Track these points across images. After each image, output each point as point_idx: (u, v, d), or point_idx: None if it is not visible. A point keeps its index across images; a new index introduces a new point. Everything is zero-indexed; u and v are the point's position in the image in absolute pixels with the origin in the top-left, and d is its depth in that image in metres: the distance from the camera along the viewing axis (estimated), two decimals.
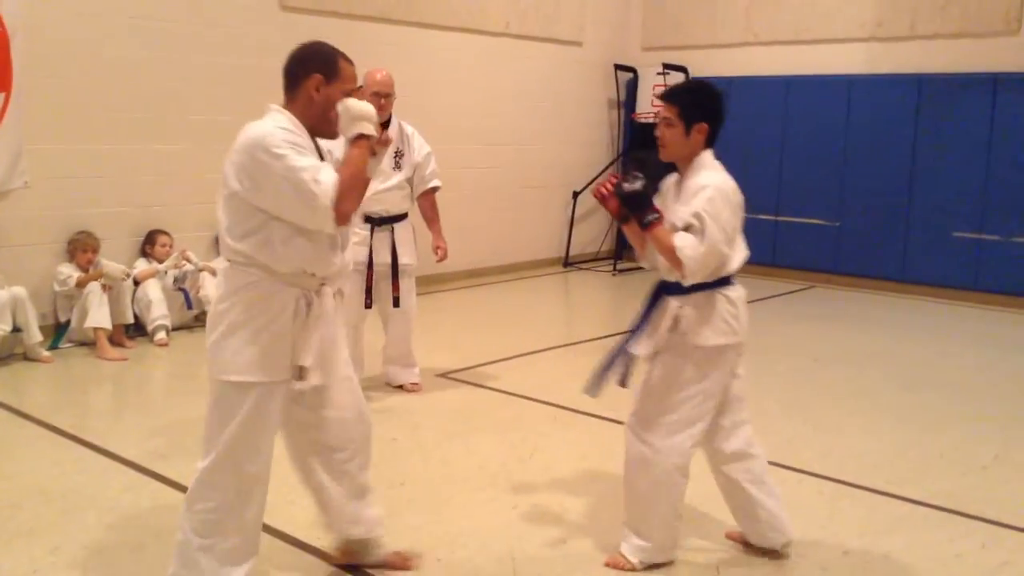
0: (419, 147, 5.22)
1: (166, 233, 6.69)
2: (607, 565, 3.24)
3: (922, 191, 8.70)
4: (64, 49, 6.24)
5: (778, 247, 9.39)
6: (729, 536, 3.47)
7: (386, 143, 2.89)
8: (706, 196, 2.98)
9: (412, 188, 5.23)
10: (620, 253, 10.38)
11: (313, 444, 2.96)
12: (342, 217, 2.63)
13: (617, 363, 3.21)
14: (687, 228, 2.98)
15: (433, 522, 3.59)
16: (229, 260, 2.75)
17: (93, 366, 5.87)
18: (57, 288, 6.17)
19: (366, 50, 7.45)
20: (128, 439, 4.46)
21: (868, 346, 6.81)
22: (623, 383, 3.22)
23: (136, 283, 6.41)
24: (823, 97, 9.20)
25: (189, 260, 6.67)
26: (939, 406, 5.32)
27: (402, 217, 5.21)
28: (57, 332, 6.20)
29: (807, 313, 8.01)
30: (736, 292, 3.14)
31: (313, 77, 2.72)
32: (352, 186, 2.65)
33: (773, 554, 3.33)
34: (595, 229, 10.59)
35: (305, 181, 2.57)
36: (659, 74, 9.85)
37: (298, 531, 3.35)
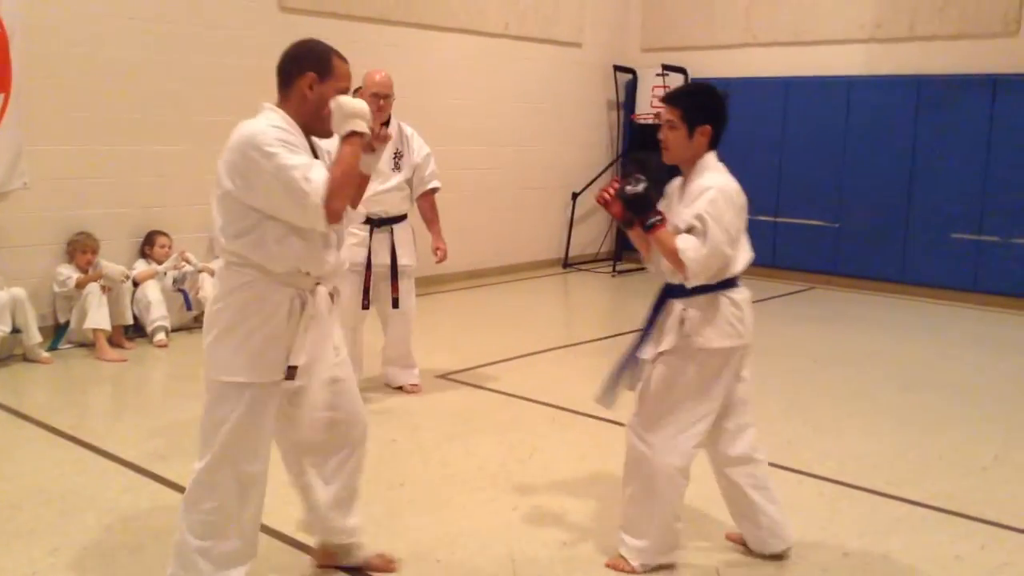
0: (418, 148, 5.22)
1: (165, 234, 6.69)
2: (608, 567, 3.23)
3: (921, 192, 8.70)
4: (63, 50, 6.24)
5: (778, 248, 9.39)
6: (729, 537, 3.46)
7: (384, 140, 2.87)
8: (708, 198, 2.98)
9: (411, 189, 5.23)
10: (620, 254, 10.38)
11: (306, 445, 2.96)
12: (333, 215, 2.62)
13: (627, 370, 3.20)
14: (689, 230, 2.97)
15: (433, 523, 3.59)
16: (224, 260, 2.76)
17: (92, 367, 5.87)
18: (56, 289, 6.16)
19: (366, 51, 7.52)
20: (127, 440, 4.46)
21: (867, 347, 6.81)
22: (633, 388, 3.22)
23: (135, 284, 6.41)
24: (822, 98, 9.21)
25: (188, 261, 6.67)
26: (939, 407, 5.32)
27: (401, 218, 5.21)
28: (56, 333, 6.20)
29: (806, 314, 8.01)
30: (741, 294, 3.13)
31: (306, 75, 2.70)
32: (343, 184, 2.63)
33: (773, 556, 3.32)
34: (595, 230, 10.59)
35: (296, 179, 2.56)
36: (658, 75, 9.85)
37: (297, 532, 3.34)
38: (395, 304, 5.15)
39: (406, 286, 5.22)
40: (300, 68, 2.72)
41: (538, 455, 4.39)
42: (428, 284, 7.86)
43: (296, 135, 2.70)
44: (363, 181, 2.94)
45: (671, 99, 3.13)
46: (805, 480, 4.12)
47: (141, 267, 6.55)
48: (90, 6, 6.34)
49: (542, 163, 9.93)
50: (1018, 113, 8.15)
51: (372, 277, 5.08)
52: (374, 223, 5.03)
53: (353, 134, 2.68)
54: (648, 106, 10.16)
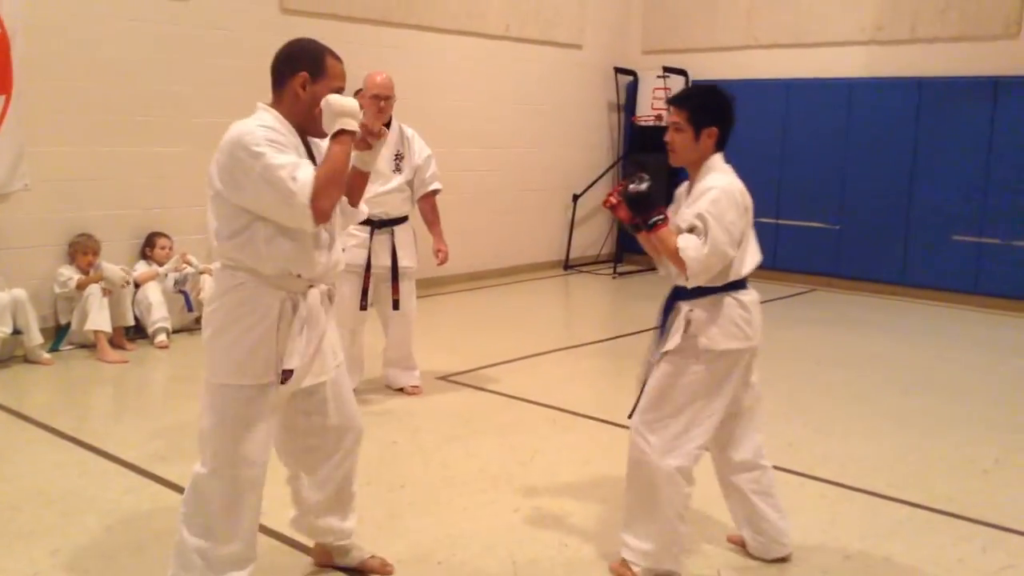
0: (419, 150, 5.22)
1: (166, 236, 6.69)
2: (611, 571, 3.21)
3: (922, 194, 8.70)
4: (64, 52, 6.24)
5: (779, 250, 9.38)
6: (731, 539, 3.46)
7: (378, 136, 2.84)
8: (711, 198, 2.97)
9: (412, 191, 5.23)
10: (621, 256, 10.39)
11: (301, 448, 2.96)
12: (320, 214, 2.59)
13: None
14: (691, 229, 2.97)
15: (433, 525, 3.58)
16: (219, 262, 2.76)
17: (93, 368, 5.87)
18: (57, 290, 6.16)
19: (366, 53, 7.54)
20: (128, 441, 4.46)
21: (868, 349, 6.81)
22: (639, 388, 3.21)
23: (136, 286, 6.42)
24: (823, 100, 9.20)
25: (190, 263, 6.67)
26: (940, 409, 5.31)
27: (402, 220, 5.21)
28: (57, 334, 6.20)
29: (808, 316, 8.00)
30: (749, 296, 3.11)
31: (299, 75, 2.68)
32: (329, 183, 2.60)
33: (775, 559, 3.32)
34: (595, 232, 10.59)
35: (282, 179, 2.55)
36: (659, 77, 9.86)
37: (296, 532, 3.33)
38: (396, 306, 5.15)
39: (407, 288, 5.22)
40: (293, 68, 2.70)
41: (539, 457, 4.39)
42: (429, 286, 7.86)
43: (288, 135, 2.68)
44: (363, 179, 2.93)
45: (678, 101, 3.12)
46: (806, 482, 4.12)
47: (142, 268, 6.55)
48: (92, 8, 6.34)
49: (543, 165, 9.93)
50: (1019, 115, 8.15)
51: (373, 279, 5.08)
52: (375, 225, 5.03)
53: (343, 133, 2.65)
54: (649, 108, 10.16)
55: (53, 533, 3.44)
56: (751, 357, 3.15)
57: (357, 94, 4.98)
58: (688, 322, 3.05)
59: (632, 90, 10.52)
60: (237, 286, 2.70)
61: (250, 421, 2.72)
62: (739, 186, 3.06)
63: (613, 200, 3.07)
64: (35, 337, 5.80)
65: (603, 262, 10.47)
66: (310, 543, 3.23)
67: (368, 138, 2.80)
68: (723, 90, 3.16)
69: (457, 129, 8.75)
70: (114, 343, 6.11)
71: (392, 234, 5.13)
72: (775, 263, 9.32)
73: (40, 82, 6.11)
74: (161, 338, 6.31)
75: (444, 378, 5.71)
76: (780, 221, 9.43)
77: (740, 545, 3.40)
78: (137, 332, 6.43)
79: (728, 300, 3.06)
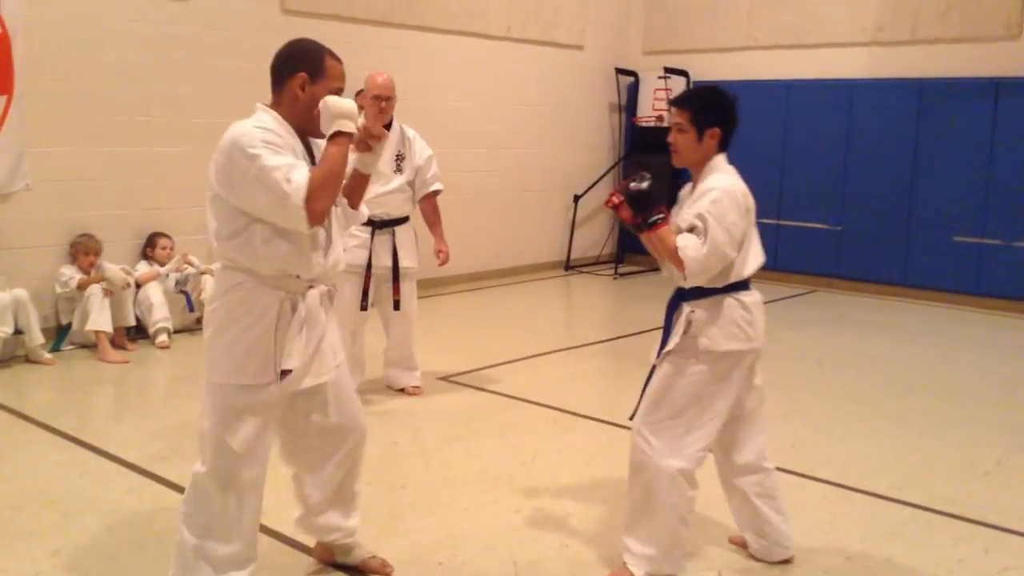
0: (420, 150, 5.22)
1: (167, 236, 6.70)
2: None
3: (923, 195, 8.70)
4: (65, 52, 6.24)
5: (780, 251, 9.36)
6: (732, 540, 3.45)
7: (378, 137, 2.84)
8: (711, 198, 2.97)
9: (413, 191, 5.23)
10: (622, 257, 10.39)
11: (303, 448, 2.96)
12: (314, 216, 2.58)
13: None
14: (691, 229, 2.96)
15: (434, 525, 3.58)
16: (219, 262, 2.76)
17: (94, 368, 5.87)
18: (59, 290, 6.17)
19: (367, 53, 7.55)
20: (129, 441, 4.46)
21: (869, 350, 6.81)
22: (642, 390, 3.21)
23: (138, 286, 6.42)
24: (824, 101, 9.20)
25: (191, 263, 6.67)
26: (941, 410, 5.31)
27: (403, 220, 5.21)
28: (59, 334, 6.20)
29: (808, 317, 8.00)
30: (751, 297, 3.10)
31: (298, 75, 2.68)
32: (325, 184, 2.59)
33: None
34: (596, 233, 10.59)
35: (277, 180, 2.54)
36: (660, 78, 9.86)
37: (296, 532, 3.34)
38: (397, 306, 5.15)
39: (408, 288, 5.22)
40: (292, 68, 2.70)
41: (540, 458, 4.38)
42: (430, 286, 7.86)
43: (286, 135, 2.68)
44: (363, 182, 2.93)
45: (680, 102, 3.12)
46: (807, 483, 4.12)
47: (143, 269, 6.56)
48: (92, 8, 6.34)
49: (544, 165, 9.93)
50: (1020, 116, 8.15)
51: (373, 279, 5.07)
52: (376, 225, 5.03)
53: (340, 134, 2.65)
54: (650, 109, 10.17)
55: (54, 533, 3.44)
56: (754, 359, 3.13)
57: (358, 95, 4.98)
58: (689, 323, 3.05)
59: (633, 91, 10.52)
60: (236, 286, 2.70)
61: (247, 420, 2.72)
62: (741, 187, 3.05)
63: (615, 200, 3.06)
64: (36, 337, 5.81)
65: (604, 263, 10.46)
66: (311, 543, 3.24)
67: (368, 140, 2.80)
68: (726, 91, 3.15)
69: (458, 130, 8.76)
70: (115, 343, 6.11)
71: (393, 235, 5.13)
72: (776, 264, 9.28)
73: (41, 82, 6.11)
74: (162, 338, 6.31)
75: (445, 379, 5.71)
76: (781, 222, 9.43)
77: (742, 546, 3.40)
78: (138, 332, 6.43)
79: (729, 301, 3.04)
